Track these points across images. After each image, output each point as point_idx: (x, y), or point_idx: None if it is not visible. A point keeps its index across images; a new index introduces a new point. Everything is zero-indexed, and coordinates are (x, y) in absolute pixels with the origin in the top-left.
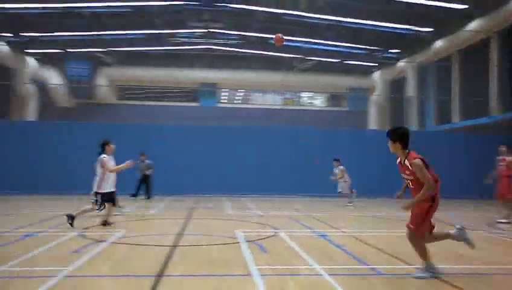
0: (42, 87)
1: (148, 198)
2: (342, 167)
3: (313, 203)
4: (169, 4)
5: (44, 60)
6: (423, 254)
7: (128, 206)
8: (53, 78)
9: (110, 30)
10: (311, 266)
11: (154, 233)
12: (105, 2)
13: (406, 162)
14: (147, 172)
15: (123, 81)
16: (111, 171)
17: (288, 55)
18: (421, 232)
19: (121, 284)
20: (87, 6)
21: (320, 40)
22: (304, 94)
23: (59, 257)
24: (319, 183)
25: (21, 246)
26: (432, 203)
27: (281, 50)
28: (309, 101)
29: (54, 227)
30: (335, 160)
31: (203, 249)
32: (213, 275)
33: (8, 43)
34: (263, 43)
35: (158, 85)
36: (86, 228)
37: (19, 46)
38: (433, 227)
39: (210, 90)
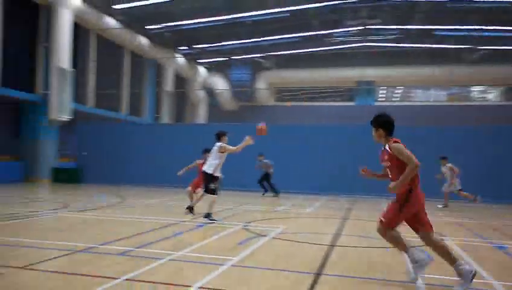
0: (210, 93)
1: (264, 194)
2: (449, 165)
3: (487, 211)
4: (326, 5)
5: (211, 68)
6: (399, 244)
7: (285, 204)
8: (219, 84)
9: (269, 36)
10: (486, 280)
11: (311, 231)
12: (264, 9)
13: (387, 146)
14: (267, 171)
15: (281, 83)
16: (235, 150)
17: (455, 46)
18: (390, 224)
19: (281, 278)
20: (249, 16)
21: (494, 26)
22: (474, 88)
23: (227, 247)
24: (497, 188)
25: (196, 234)
26: (409, 194)
27: (446, 41)
28: (480, 96)
29: (221, 219)
30: (442, 158)
31: (361, 251)
32: (372, 279)
33: (183, 55)
34: (425, 36)
35: (314, 85)
36: (249, 222)
37: (192, 58)
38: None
39: (367, 88)
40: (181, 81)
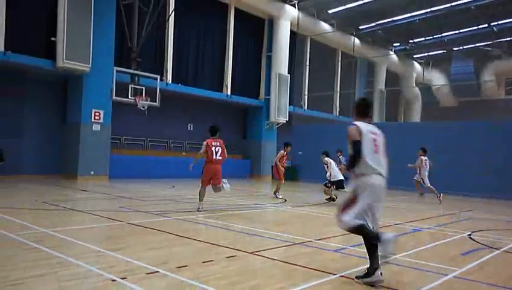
0: (426, 90)
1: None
2: (421, 158)
3: None
4: None
5: (428, 62)
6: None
7: None
8: (436, 79)
9: (498, 20)
10: None
11: None
12: None
13: None
14: None
15: None
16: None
17: None
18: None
19: None
20: (472, 0)
21: None
22: None
23: (448, 256)
24: None
25: (412, 238)
26: (205, 167)
27: None
28: None
29: (440, 225)
30: (421, 149)
31: None
32: None
33: (397, 52)
34: None
35: None
36: (475, 231)
37: (407, 53)
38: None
39: None
40: (394, 78)
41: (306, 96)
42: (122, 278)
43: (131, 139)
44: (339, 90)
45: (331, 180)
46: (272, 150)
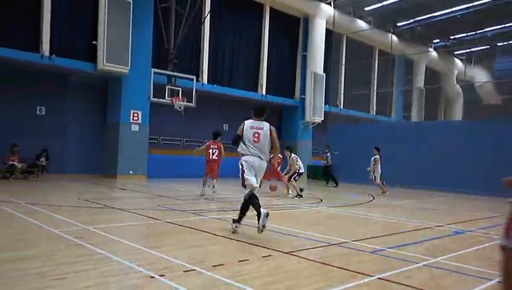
0: (468, 87)
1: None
2: (374, 157)
3: None
4: None
5: (470, 59)
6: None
7: None
8: (479, 76)
9: None
10: None
11: None
12: None
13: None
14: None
15: None
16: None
17: None
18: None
19: None
20: None
21: None
22: None
23: (493, 260)
24: None
25: (453, 241)
26: (206, 164)
27: None
28: None
29: (483, 228)
30: (374, 148)
31: None
32: None
33: (437, 48)
34: None
35: None
36: None
37: (447, 50)
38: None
39: None
40: (434, 76)
41: (342, 96)
42: (161, 275)
43: (168, 139)
44: (375, 88)
45: (298, 172)
46: (307, 150)
